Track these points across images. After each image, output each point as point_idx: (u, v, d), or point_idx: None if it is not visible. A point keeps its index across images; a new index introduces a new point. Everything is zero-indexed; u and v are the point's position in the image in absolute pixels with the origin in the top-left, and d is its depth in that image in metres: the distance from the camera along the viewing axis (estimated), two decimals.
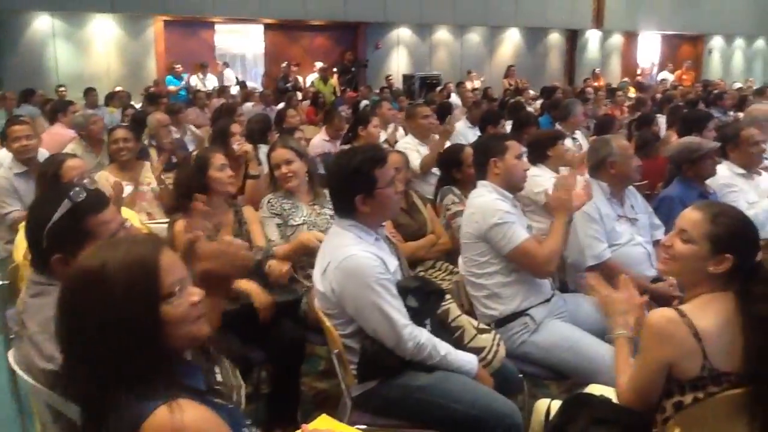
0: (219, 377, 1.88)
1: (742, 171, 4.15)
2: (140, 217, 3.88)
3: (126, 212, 3.31)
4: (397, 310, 2.32)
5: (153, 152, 5.49)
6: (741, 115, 7.46)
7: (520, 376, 2.75)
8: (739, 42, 21.48)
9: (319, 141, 6.23)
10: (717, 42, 20.98)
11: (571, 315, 2.98)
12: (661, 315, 1.88)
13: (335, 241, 2.45)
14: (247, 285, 2.93)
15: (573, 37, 18.72)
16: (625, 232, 3.40)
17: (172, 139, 5.78)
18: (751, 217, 2.05)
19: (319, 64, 14.18)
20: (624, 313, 2.24)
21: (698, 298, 1.92)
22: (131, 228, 3.01)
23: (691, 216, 1.97)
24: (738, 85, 15.29)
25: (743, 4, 19.72)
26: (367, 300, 2.31)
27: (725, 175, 4.07)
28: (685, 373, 1.85)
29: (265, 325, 2.91)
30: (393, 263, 2.49)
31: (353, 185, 2.41)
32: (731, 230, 1.91)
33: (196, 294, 1.42)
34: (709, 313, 1.86)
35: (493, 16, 16.59)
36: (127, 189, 4.07)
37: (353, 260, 2.33)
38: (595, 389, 2.32)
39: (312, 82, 13.74)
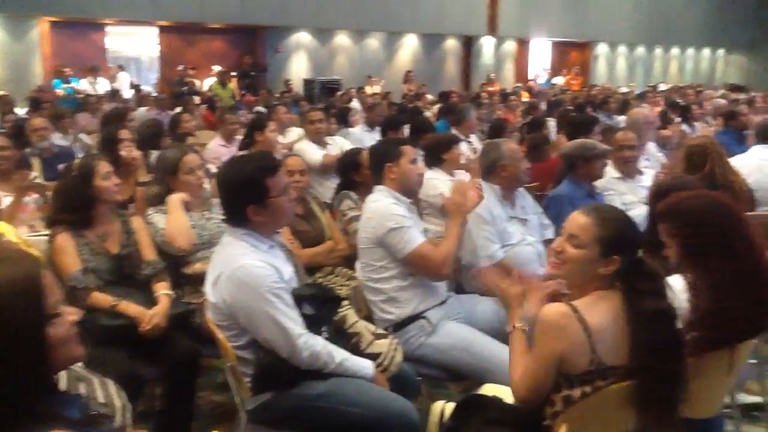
0: (101, 398, 1.80)
1: (618, 175, 4.31)
2: (21, 230, 3.64)
3: (1, 226, 3.11)
4: (292, 320, 2.29)
5: (35, 161, 5.17)
6: (624, 118, 7.84)
7: (419, 379, 2.78)
8: (622, 49, 22.73)
9: (214, 146, 6.08)
10: (602, 48, 22.12)
11: (466, 316, 3.03)
12: (555, 309, 1.95)
13: (227, 250, 2.39)
14: (126, 308, 2.83)
15: (469, 43, 19.22)
16: (516, 232, 3.50)
17: (48, 145, 5.47)
18: None
19: (216, 68, 13.85)
20: (521, 305, 2.25)
21: (588, 296, 1.99)
22: (6, 242, 2.85)
23: (579, 221, 2.03)
24: (623, 89, 16.15)
25: (625, 14, 20.87)
26: (260, 310, 2.26)
27: (606, 177, 4.23)
28: (574, 367, 1.92)
29: (156, 339, 2.80)
30: (288, 271, 2.45)
31: (244, 195, 2.36)
32: (619, 233, 1.99)
33: (73, 313, 1.34)
34: (598, 310, 1.94)
35: (391, 21, 16.78)
36: (6, 200, 3.82)
37: (245, 270, 2.27)
38: (488, 389, 2.38)
39: (210, 86, 13.41)
